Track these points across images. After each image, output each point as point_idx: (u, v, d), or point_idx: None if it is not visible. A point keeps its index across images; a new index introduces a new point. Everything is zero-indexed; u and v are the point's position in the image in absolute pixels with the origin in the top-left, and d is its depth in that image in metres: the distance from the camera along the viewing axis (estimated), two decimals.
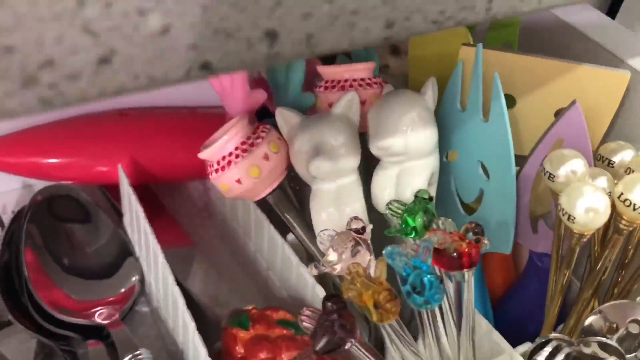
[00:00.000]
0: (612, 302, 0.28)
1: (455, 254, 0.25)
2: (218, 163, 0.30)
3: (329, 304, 0.26)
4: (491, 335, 0.33)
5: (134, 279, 0.38)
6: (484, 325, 0.33)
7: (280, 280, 0.39)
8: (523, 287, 0.35)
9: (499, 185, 0.31)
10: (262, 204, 0.38)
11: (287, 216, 0.33)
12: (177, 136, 0.44)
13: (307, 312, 0.26)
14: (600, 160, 0.31)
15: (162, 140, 0.44)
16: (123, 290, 0.37)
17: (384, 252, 0.26)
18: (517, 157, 0.31)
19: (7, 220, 0.41)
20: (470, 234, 0.26)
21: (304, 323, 0.26)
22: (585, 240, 0.27)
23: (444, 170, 0.34)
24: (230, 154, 0.30)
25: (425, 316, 0.27)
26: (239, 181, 0.30)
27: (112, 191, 0.44)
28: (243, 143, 0.30)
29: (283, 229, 0.37)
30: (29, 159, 0.41)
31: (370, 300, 0.24)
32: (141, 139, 0.43)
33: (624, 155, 0.30)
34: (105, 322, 0.36)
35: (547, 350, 0.24)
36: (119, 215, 0.42)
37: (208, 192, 0.45)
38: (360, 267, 0.26)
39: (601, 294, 0.31)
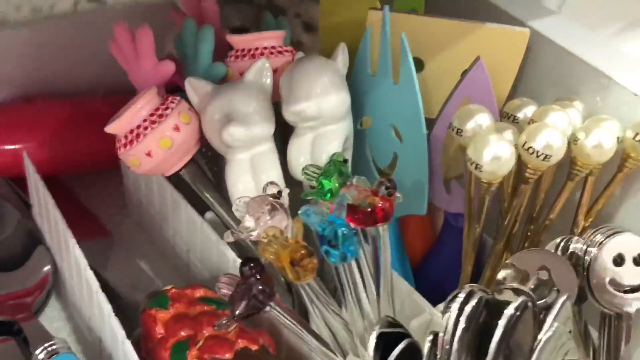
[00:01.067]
0: (520, 252, 0.29)
1: (369, 209, 0.25)
2: (126, 137, 0.29)
3: (246, 267, 0.25)
4: (412, 296, 0.34)
5: (45, 269, 0.36)
6: (404, 288, 0.34)
7: (201, 261, 0.38)
8: (440, 248, 0.36)
9: (411, 147, 0.32)
10: (179, 187, 0.37)
11: (205, 194, 0.33)
12: (86, 123, 0.43)
13: (225, 279, 0.26)
14: (506, 117, 0.32)
15: (70, 127, 0.43)
16: (34, 282, 0.35)
17: (299, 211, 0.26)
18: (427, 120, 0.32)
19: None
20: (383, 188, 0.26)
21: (221, 290, 0.26)
22: (493, 189, 0.27)
23: (359, 137, 0.34)
24: (138, 127, 0.29)
25: (344, 276, 0.27)
26: (149, 154, 0.29)
27: (19, 184, 0.42)
28: (152, 115, 0.29)
29: (201, 209, 0.37)
30: None
31: (287, 259, 0.24)
32: (47, 127, 0.41)
33: (527, 111, 0.31)
34: (17, 317, 0.34)
35: (461, 296, 0.24)
36: (28, 207, 0.40)
37: (122, 180, 0.44)
38: (276, 230, 0.26)
39: (513, 247, 0.32)
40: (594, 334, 0.33)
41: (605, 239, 0.31)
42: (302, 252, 0.24)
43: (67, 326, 0.37)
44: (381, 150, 0.34)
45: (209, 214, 0.36)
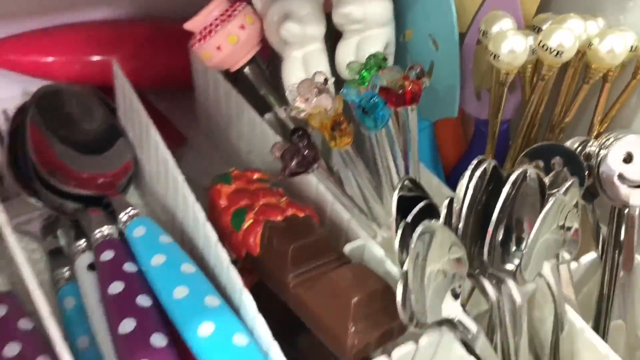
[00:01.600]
0: (536, 145, 0.33)
1: (400, 90, 0.30)
2: (201, 33, 0.35)
3: (295, 135, 0.31)
4: (441, 190, 0.38)
5: (128, 157, 0.43)
6: (434, 182, 0.38)
7: (261, 162, 0.43)
8: (470, 155, 0.40)
9: (445, 54, 0.36)
10: (242, 93, 0.42)
11: (264, 90, 0.38)
12: (166, 43, 0.49)
13: (278, 145, 0.31)
14: (531, 29, 0.35)
15: (152, 45, 0.49)
16: (119, 166, 0.42)
17: (340, 92, 0.31)
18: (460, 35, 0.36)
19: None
20: (414, 73, 0.30)
21: (275, 153, 0.31)
22: (510, 78, 0.31)
23: (402, 49, 0.38)
24: (211, 24, 0.35)
25: (377, 151, 0.32)
26: (219, 48, 0.35)
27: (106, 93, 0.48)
28: (222, 15, 0.35)
29: (261, 113, 0.42)
30: (29, 58, 0.46)
31: (329, 125, 0.29)
32: (133, 43, 0.48)
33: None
34: (106, 192, 0.40)
35: (473, 163, 0.28)
36: (113, 112, 0.47)
37: (193, 94, 0.50)
38: (322, 108, 0.31)
39: (531, 143, 0.36)
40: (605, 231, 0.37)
41: (616, 140, 0.34)
42: (343, 118, 0.29)
43: (144, 212, 0.44)
44: (420, 59, 0.38)
45: (267, 115, 0.41)
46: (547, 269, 0.31)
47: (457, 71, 0.36)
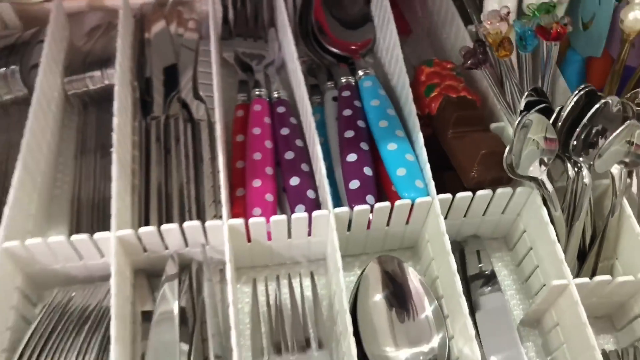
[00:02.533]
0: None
1: (550, 29, 0.46)
2: None
3: (477, 44, 0.49)
4: None
5: (371, 36, 0.63)
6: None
7: (456, 59, 0.61)
8: None
9: (604, 9, 0.50)
10: None
11: (470, 9, 0.56)
12: None
13: (464, 48, 0.50)
14: None
15: None
16: (365, 40, 0.63)
17: (512, 22, 0.48)
18: None
19: None
20: (564, 20, 0.46)
21: (461, 52, 0.50)
22: (630, 37, 0.46)
23: (574, 2, 0.53)
24: None
25: (525, 69, 0.49)
26: None
27: None
28: None
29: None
30: None
31: (497, 40, 0.47)
32: None
33: None
34: (352, 55, 0.62)
35: (581, 88, 0.44)
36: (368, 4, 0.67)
37: None
38: (498, 30, 0.48)
39: None
40: None
41: None
42: (509, 38, 0.47)
43: (372, 73, 0.65)
44: (586, 10, 0.53)
45: (469, 27, 0.59)
46: (614, 169, 0.47)
47: (607, 24, 0.50)
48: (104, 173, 0.55)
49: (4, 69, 0.58)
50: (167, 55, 0.63)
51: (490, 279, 0.51)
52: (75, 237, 0.45)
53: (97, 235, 0.45)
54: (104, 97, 0.60)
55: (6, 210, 0.46)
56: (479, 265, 0.52)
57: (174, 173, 0.54)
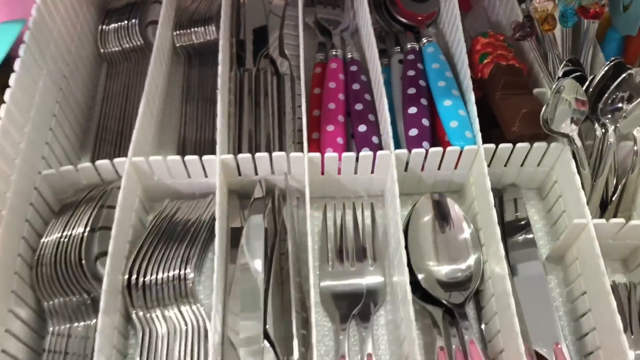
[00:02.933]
0: None
1: (589, 9, 0.55)
2: None
3: (525, 19, 0.58)
4: None
5: (436, 8, 0.72)
6: None
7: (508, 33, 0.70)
8: None
9: None
10: None
11: None
12: None
13: (515, 22, 0.59)
14: None
15: None
16: (430, 12, 0.72)
17: (557, 1, 0.56)
18: None
19: None
20: (602, 2, 0.55)
21: (512, 25, 0.59)
22: None
23: None
24: None
25: (566, 43, 0.57)
26: None
27: None
28: None
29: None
30: None
31: (543, 17, 0.56)
32: None
33: None
34: (418, 24, 0.71)
35: (612, 59, 0.53)
36: None
37: None
38: (545, 7, 0.57)
39: None
40: None
41: None
42: (552, 15, 0.55)
43: (434, 40, 0.74)
44: None
45: (522, 5, 0.67)
46: (637, 131, 0.55)
47: None
48: (204, 114, 0.66)
49: (126, 22, 0.70)
50: (257, 19, 0.73)
51: (524, 225, 0.60)
52: (188, 157, 0.57)
53: (205, 157, 0.57)
54: (206, 50, 0.71)
55: (134, 133, 0.57)
56: (516, 214, 0.62)
57: (262, 117, 0.65)
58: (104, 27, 0.71)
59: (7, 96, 0.51)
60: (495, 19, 0.74)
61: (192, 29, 0.71)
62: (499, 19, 0.72)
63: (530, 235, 0.59)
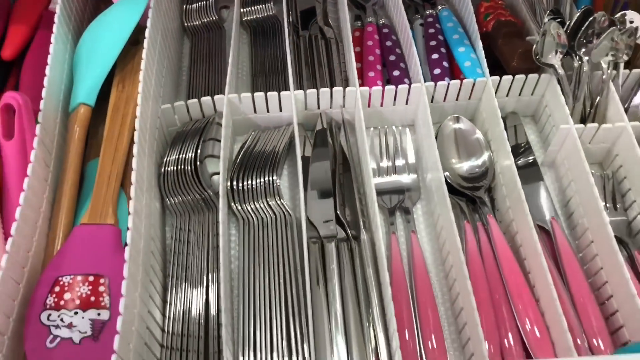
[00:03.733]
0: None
1: None
2: None
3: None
4: None
5: None
6: None
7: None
8: None
9: None
10: None
11: None
12: None
13: None
14: None
15: None
16: None
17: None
18: None
19: None
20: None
21: None
22: None
23: None
24: None
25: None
26: None
27: None
28: None
29: None
30: None
31: None
32: None
33: None
34: None
35: (585, 7, 0.72)
36: None
37: None
38: None
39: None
40: None
41: None
42: None
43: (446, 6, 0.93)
44: None
45: None
46: (603, 62, 0.74)
47: None
48: (271, 66, 0.85)
49: (205, 2, 0.89)
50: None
51: (525, 146, 0.79)
52: (270, 93, 0.75)
53: (283, 92, 0.76)
54: (267, 24, 0.90)
55: (227, 78, 0.76)
56: (516, 137, 0.80)
57: (317, 70, 0.84)
58: (187, 5, 0.90)
59: (144, 59, 0.69)
60: None
61: (256, 6, 0.90)
62: None
63: (531, 155, 0.78)
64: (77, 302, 0.57)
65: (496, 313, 0.64)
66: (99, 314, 0.56)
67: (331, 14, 0.92)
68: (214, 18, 0.89)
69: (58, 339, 0.55)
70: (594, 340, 0.63)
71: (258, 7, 0.91)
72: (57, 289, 0.57)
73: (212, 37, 0.89)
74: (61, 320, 0.56)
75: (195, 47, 0.88)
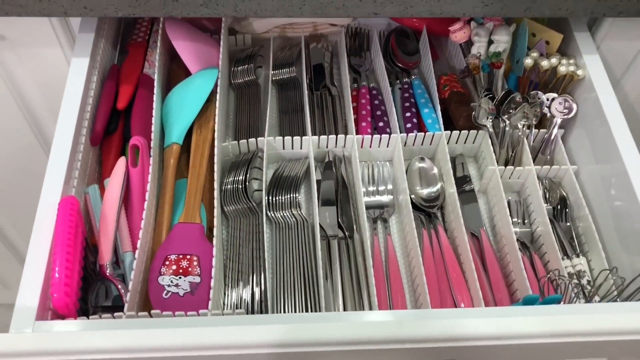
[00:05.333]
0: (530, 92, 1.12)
1: (495, 64, 1.11)
2: None
3: (465, 67, 1.14)
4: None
5: (419, 59, 1.28)
6: None
7: None
8: None
9: (521, 55, 1.14)
10: None
11: None
12: None
13: (460, 69, 1.15)
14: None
15: None
16: (416, 60, 1.28)
17: (481, 59, 1.13)
18: None
19: None
20: (501, 59, 1.11)
21: (459, 71, 1.15)
22: (527, 71, 1.10)
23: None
24: None
25: (484, 81, 1.14)
26: None
27: None
28: None
29: None
30: None
31: (475, 66, 1.12)
32: None
33: None
34: (410, 67, 1.27)
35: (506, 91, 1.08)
36: None
37: None
38: (475, 62, 1.13)
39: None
40: None
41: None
42: (477, 66, 1.11)
43: None
44: (517, 55, 1.17)
45: None
46: (519, 124, 1.11)
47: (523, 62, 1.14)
48: (293, 117, 1.21)
49: (246, 65, 1.25)
50: (316, 59, 1.28)
51: (467, 178, 1.16)
52: (295, 137, 1.11)
53: (304, 137, 1.11)
54: (290, 83, 1.26)
55: (265, 126, 1.11)
56: (462, 170, 1.17)
57: (324, 119, 1.19)
58: (233, 68, 1.25)
59: (217, 115, 1.04)
60: (452, 64, 1.30)
61: (282, 70, 1.26)
62: (454, 64, 1.29)
63: (471, 185, 1.15)
64: (180, 270, 0.92)
65: (440, 290, 1.01)
66: (194, 279, 0.91)
67: (335, 76, 1.28)
68: (252, 77, 1.25)
69: (170, 293, 0.90)
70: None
71: (283, 70, 1.26)
72: (167, 262, 0.92)
73: (251, 91, 1.24)
74: (171, 282, 0.91)
75: (239, 99, 1.23)
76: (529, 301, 0.84)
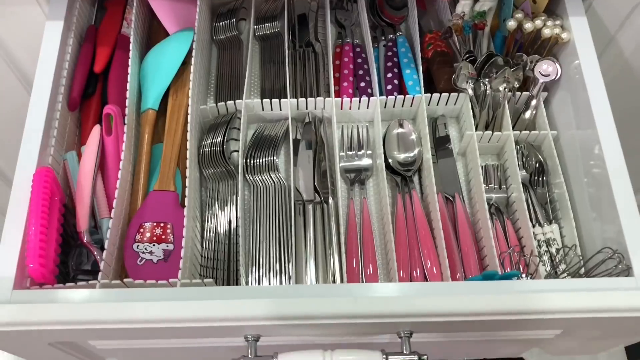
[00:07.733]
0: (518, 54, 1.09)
1: (478, 24, 1.08)
2: None
3: (448, 27, 1.11)
4: None
5: (405, 14, 1.25)
6: None
7: None
8: None
9: (508, 13, 1.11)
10: None
11: None
12: None
13: (444, 29, 1.12)
14: None
15: None
16: (402, 15, 1.25)
17: (464, 19, 1.10)
18: None
19: None
20: (485, 20, 1.07)
21: (442, 30, 1.12)
22: (511, 32, 1.07)
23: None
24: None
25: (466, 42, 1.11)
26: None
27: None
28: None
29: None
30: None
31: (457, 27, 1.09)
32: None
33: None
34: (396, 22, 1.24)
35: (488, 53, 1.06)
36: None
37: None
38: (459, 22, 1.10)
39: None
40: None
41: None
42: (460, 27, 1.09)
43: None
44: (504, 14, 1.13)
45: None
46: (501, 87, 1.09)
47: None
48: (275, 76, 1.20)
49: (228, 21, 1.23)
50: (300, 9, 1.25)
51: (448, 139, 1.15)
52: (274, 100, 1.11)
53: (283, 100, 1.11)
54: (273, 38, 1.24)
55: (245, 88, 1.11)
56: (444, 130, 1.16)
57: (306, 76, 1.19)
58: (215, 23, 1.24)
59: (192, 80, 1.04)
60: (440, 19, 1.26)
61: (265, 24, 1.24)
62: (442, 18, 1.25)
63: (450, 146, 1.14)
64: (154, 238, 0.95)
65: (410, 254, 1.03)
66: (167, 246, 0.95)
67: (320, 30, 1.26)
68: (234, 33, 1.23)
69: (144, 260, 0.94)
70: (470, 275, 1.02)
71: (267, 24, 1.24)
72: (141, 230, 0.96)
73: (233, 47, 1.23)
74: (145, 249, 0.94)
75: (221, 56, 1.23)
76: (487, 276, 0.86)
